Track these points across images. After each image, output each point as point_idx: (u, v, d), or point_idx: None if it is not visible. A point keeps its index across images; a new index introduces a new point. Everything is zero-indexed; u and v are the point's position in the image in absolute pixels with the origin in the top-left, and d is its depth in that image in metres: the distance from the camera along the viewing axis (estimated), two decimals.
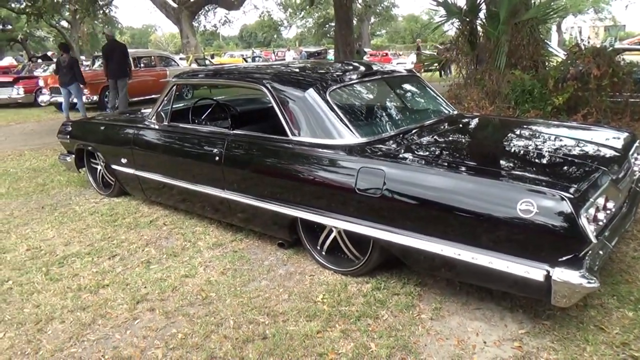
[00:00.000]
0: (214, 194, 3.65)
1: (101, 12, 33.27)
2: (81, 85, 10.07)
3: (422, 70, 18.36)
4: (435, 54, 12.93)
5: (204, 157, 3.63)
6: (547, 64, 7.48)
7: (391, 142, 3.03)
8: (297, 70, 3.71)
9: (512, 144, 3.15)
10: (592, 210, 2.28)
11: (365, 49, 29.60)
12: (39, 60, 20.67)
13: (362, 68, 3.78)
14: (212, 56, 33.10)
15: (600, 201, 2.39)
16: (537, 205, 2.20)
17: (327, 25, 49.44)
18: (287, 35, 68.71)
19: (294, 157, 3.14)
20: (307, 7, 37.26)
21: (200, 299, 2.93)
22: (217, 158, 3.50)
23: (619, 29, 42.36)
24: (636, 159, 3.19)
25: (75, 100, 10.27)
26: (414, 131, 3.26)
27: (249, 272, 3.25)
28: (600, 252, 2.36)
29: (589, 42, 7.26)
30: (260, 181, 3.34)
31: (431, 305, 2.76)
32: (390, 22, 59.98)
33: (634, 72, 6.50)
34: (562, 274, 2.16)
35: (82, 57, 31.94)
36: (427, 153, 2.93)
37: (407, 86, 4.05)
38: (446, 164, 2.69)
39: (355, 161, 2.84)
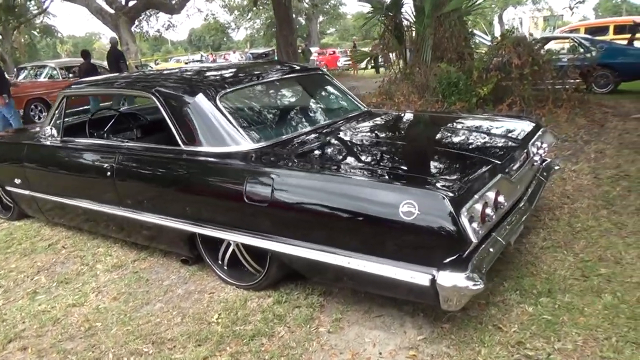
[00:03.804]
0: (110, 212, 3.38)
1: (39, 21, 31.74)
2: None
3: (357, 67, 18.39)
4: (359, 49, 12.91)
5: (96, 173, 3.35)
6: (475, 55, 7.52)
7: (286, 146, 2.87)
8: (189, 75, 3.48)
9: (408, 142, 3.02)
10: (478, 207, 2.17)
11: (312, 48, 29.49)
12: None
13: (262, 69, 3.59)
14: (156, 62, 32.17)
15: (490, 196, 2.30)
16: (418, 206, 2.07)
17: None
18: (237, 38, 67.75)
19: (184, 168, 2.93)
20: (254, 7, 36.86)
21: (83, 330, 2.67)
22: (108, 173, 3.24)
23: (557, 18, 44.04)
24: (539, 147, 3.14)
25: None
26: (313, 133, 3.10)
27: (145, 294, 3.01)
28: (491, 250, 2.27)
29: (521, 32, 7.35)
30: (153, 196, 3.11)
31: (332, 316, 2.61)
32: (339, 21, 60.10)
33: (553, 60, 6.62)
34: (446, 278, 2.05)
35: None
36: (319, 156, 2.77)
37: (312, 85, 3.89)
38: (334, 167, 2.54)
39: (244, 169, 2.66)
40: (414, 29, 7.41)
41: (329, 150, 2.85)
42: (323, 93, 3.88)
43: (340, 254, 2.34)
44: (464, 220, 2.01)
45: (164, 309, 2.83)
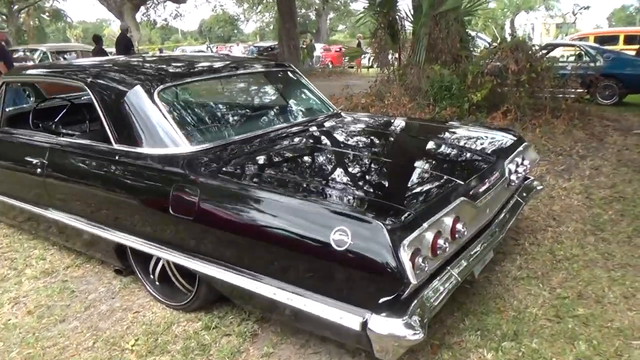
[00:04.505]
0: (42, 214, 3.06)
1: (49, 4, 31.52)
2: None
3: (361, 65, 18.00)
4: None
5: (28, 170, 3.02)
6: (472, 58, 7.12)
7: (226, 150, 2.52)
8: (130, 65, 3.13)
9: (364, 153, 2.62)
10: (429, 237, 1.83)
11: (318, 44, 29.02)
12: None
13: (220, 63, 3.22)
14: (161, 50, 31.85)
15: (447, 223, 1.95)
16: (351, 234, 1.73)
17: None
18: (246, 30, 67.11)
19: (113, 169, 2.60)
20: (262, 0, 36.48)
21: None
22: (38, 170, 2.92)
23: (569, 26, 43.25)
24: (518, 165, 2.78)
25: None
26: (263, 136, 2.74)
27: (64, 309, 2.68)
28: (442, 288, 1.92)
29: (531, 38, 6.95)
30: (81, 198, 2.79)
31: (262, 349, 2.27)
32: (349, 18, 59.36)
33: (553, 68, 6.23)
34: (379, 323, 1.71)
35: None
36: (257, 164, 2.41)
37: (275, 83, 3.53)
38: (268, 179, 2.19)
39: (172, 175, 2.33)
40: (408, 27, 7.03)
41: (272, 158, 2.49)
42: (287, 92, 3.51)
43: (267, 283, 2.00)
44: (404, 255, 1.67)
45: (78, 329, 2.50)
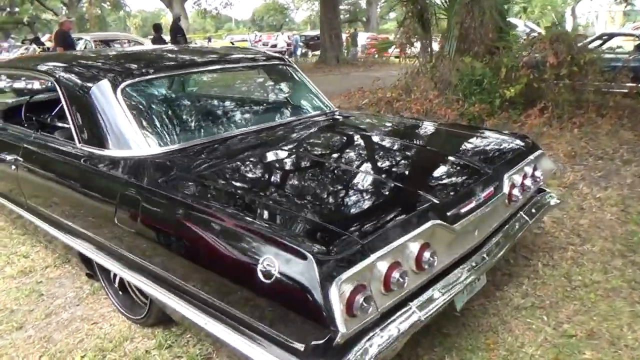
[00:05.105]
0: (20, 213, 2.98)
1: None
2: None
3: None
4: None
5: (6, 166, 2.94)
6: (510, 50, 6.56)
7: (186, 154, 2.29)
8: (101, 57, 2.95)
9: (333, 163, 2.24)
10: (381, 268, 1.53)
11: (365, 33, 28.38)
12: (21, 43, 20.03)
13: (197, 57, 2.98)
14: (209, 39, 32.29)
15: (412, 249, 1.64)
16: (278, 265, 1.46)
17: None
18: (297, 19, 67.10)
19: (74, 171, 2.45)
20: None
21: None
22: (13, 167, 2.83)
23: (637, 13, 40.00)
24: (526, 176, 2.40)
25: None
26: (228, 140, 2.47)
27: (26, 315, 2.57)
28: (396, 330, 1.61)
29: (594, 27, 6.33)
30: (47, 200, 2.68)
31: None
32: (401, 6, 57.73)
33: (600, 60, 5.59)
34: None
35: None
36: (207, 175, 2.13)
37: (260, 79, 3.26)
38: (208, 194, 1.94)
39: (120, 181, 2.14)
40: (438, 15, 6.56)
41: (227, 167, 2.20)
42: (275, 89, 3.23)
43: (197, 310, 1.78)
44: (334, 295, 1.38)
45: (31, 339, 2.37)
